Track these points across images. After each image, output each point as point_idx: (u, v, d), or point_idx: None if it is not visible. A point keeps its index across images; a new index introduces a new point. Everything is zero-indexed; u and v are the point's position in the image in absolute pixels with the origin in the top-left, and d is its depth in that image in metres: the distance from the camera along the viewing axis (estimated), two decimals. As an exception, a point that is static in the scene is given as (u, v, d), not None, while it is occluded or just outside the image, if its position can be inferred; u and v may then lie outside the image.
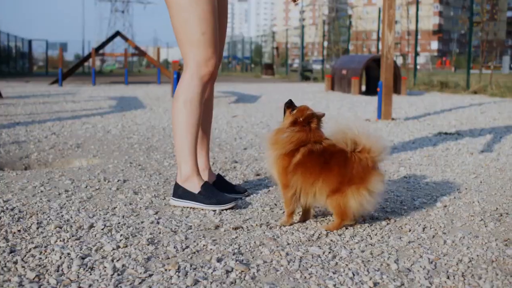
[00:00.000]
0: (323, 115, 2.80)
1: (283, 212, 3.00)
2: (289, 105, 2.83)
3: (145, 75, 36.00)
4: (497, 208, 3.11)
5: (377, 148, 2.63)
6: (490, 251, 2.41)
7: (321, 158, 2.66)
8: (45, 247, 2.35)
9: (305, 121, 2.72)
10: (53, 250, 2.30)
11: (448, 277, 2.11)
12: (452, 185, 3.68)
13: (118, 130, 6.52)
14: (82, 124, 7.07)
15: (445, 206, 3.14)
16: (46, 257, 2.23)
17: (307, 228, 2.71)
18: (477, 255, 2.35)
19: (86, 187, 3.51)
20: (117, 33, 21.28)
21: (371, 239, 2.57)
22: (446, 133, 6.39)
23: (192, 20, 2.97)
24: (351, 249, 2.41)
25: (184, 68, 3.11)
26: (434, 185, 3.70)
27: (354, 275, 2.11)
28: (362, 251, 2.39)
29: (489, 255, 2.36)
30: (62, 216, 2.82)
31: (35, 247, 2.34)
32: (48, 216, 2.81)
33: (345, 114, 8.89)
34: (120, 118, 7.99)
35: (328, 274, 2.11)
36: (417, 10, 19.97)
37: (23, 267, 2.13)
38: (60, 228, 2.61)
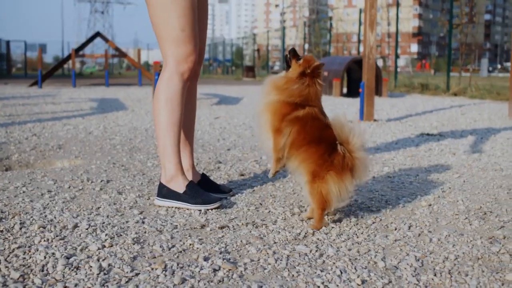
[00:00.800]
0: (324, 64, 2.81)
1: (269, 212, 2.99)
2: (294, 53, 2.78)
3: (125, 77, 35.82)
4: (481, 207, 3.13)
5: (359, 142, 2.69)
6: (476, 248, 2.42)
7: (319, 130, 2.71)
8: (29, 247, 2.31)
9: (313, 72, 2.73)
10: (37, 250, 2.27)
11: (435, 275, 2.11)
12: (436, 185, 3.70)
13: (100, 131, 6.47)
14: (63, 126, 7.00)
15: (430, 205, 3.16)
16: (30, 257, 2.20)
17: (293, 227, 2.71)
18: (463, 253, 2.36)
19: (69, 187, 3.47)
20: (98, 34, 21.14)
21: (357, 237, 2.57)
22: (428, 134, 6.42)
23: (171, 17, 2.95)
24: (338, 248, 2.41)
25: (163, 66, 3.09)
26: (418, 184, 3.72)
27: (341, 273, 2.11)
28: (349, 249, 2.39)
29: (475, 252, 2.37)
30: (46, 216, 2.79)
31: (18, 247, 2.30)
32: (31, 216, 2.77)
33: (328, 115, 8.90)
34: (102, 119, 7.93)
35: (315, 272, 2.11)
36: (397, 12, 20.11)
37: (6, 267, 2.09)
38: (44, 228, 2.58)
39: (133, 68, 69.12)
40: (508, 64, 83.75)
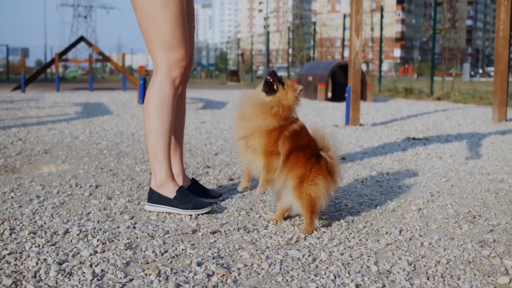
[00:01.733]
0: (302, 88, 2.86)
1: (260, 216, 2.99)
2: (278, 78, 2.78)
3: (109, 82, 35.65)
4: (469, 211, 3.16)
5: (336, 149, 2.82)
6: (467, 252, 2.44)
7: (304, 139, 2.79)
8: (20, 253, 2.30)
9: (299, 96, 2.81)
10: (29, 256, 2.25)
11: (428, 278, 2.13)
12: (425, 189, 3.73)
13: (86, 136, 6.43)
14: (49, 130, 6.96)
15: (420, 209, 3.18)
16: (22, 263, 2.18)
17: (285, 232, 2.71)
18: (454, 257, 2.38)
19: (58, 192, 3.45)
20: (81, 38, 21.03)
21: (349, 242, 2.58)
22: (414, 138, 6.47)
23: (162, 22, 2.94)
24: (330, 252, 2.42)
25: (154, 71, 3.08)
26: (407, 188, 3.74)
27: (335, 277, 2.11)
28: (342, 254, 2.40)
29: (466, 256, 2.39)
30: (36, 222, 2.77)
31: (9, 253, 2.28)
32: (21, 222, 2.75)
33: (314, 120, 8.93)
34: (87, 124, 7.89)
35: (309, 277, 2.11)
36: (382, 17, 20.23)
37: (-2, 273, 2.07)
38: (34, 234, 2.56)
39: (116, 72, 68.90)
40: (490, 68, 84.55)
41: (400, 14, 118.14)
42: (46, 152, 5.19)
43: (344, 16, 23.76)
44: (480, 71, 74.62)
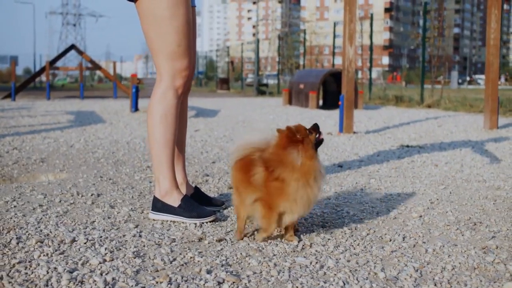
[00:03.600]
0: None
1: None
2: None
3: (99, 90, 35.60)
4: (470, 218, 3.20)
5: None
6: (471, 258, 2.47)
7: None
8: (29, 262, 2.30)
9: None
10: (39, 264, 2.26)
11: (435, 285, 2.16)
12: (424, 196, 3.77)
13: (81, 145, 6.43)
14: (43, 139, 6.95)
15: (421, 216, 3.21)
16: (32, 272, 2.19)
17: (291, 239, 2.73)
18: (459, 263, 2.42)
19: (60, 201, 3.46)
20: (72, 47, 21.02)
21: (354, 249, 2.61)
22: (408, 146, 6.52)
23: (169, 32, 2.97)
24: (336, 259, 2.44)
25: (157, 80, 3.10)
26: (406, 196, 3.78)
27: (344, 284, 2.14)
28: (348, 261, 2.42)
29: (471, 262, 2.42)
30: (41, 230, 2.78)
31: (19, 262, 2.29)
32: (27, 231, 2.76)
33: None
34: (81, 132, 7.89)
35: (319, 284, 2.14)
36: (371, 25, 20.36)
37: (10, 282, 2.08)
38: (42, 242, 2.57)
39: (105, 80, 68.72)
40: (477, 76, 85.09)
41: (388, 22, 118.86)
42: (42, 161, 5.19)
43: (334, 24, 23.88)
44: (468, 78, 75.21)
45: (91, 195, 3.66)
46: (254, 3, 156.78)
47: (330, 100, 15.47)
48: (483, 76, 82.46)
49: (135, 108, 12.04)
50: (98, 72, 64.68)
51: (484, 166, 5.06)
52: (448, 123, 9.96)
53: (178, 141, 3.30)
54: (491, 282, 2.20)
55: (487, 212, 3.34)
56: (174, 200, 3.03)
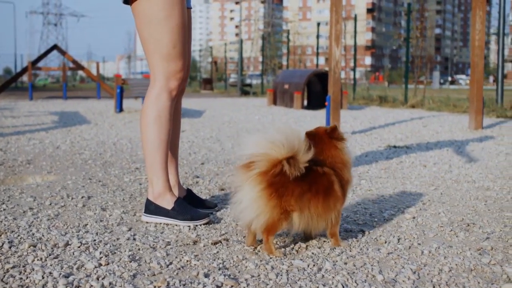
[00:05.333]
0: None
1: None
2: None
3: (81, 90, 35.37)
4: (463, 219, 3.21)
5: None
6: (467, 260, 2.48)
7: None
8: (24, 266, 2.27)
9: None
10: (33, 269, 2.23)
11: (434, 286, 2.16)
12: (415, 197, 3.78)
13: (67, 146, 6.37)
14: (28, 140, 6.88)
15: (414, 218, 3.22)
16: (27, 277, 2.15)
17: (285, 242, 2.72)
18: (456, 264, 2.42)
19: (50, 204, 3.42)
20: (55, 47, 20.84)
21: (350, 251, 2.60)
22: (395, 146, 6.54)
23: (164, 33, 2.95)
24: (334, 262, 2.43)
25: (151, 82, 3.07)
26: (397, 197, 3.79)
27: (343, 287, 2.13)
28: (345, 263, 2.42)
29: (467, 264, 2.43)
30: (33, 234, 2.74)
31: (12, 267, 2.25)
32: (19, 235, 2.72)
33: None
34: (66, 133, 7.82)
35: (318, 287, 2.13)
36: (355, 26, 20.43)
37: (5, 288, 2.05)
38: (35, 246, 2.53)
39: (87, 80, 68.26)
40: (459, 76, 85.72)
41: (370, 22, 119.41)
42: (29, 163, 5.13)
43: (318, 24, 23.94)
44: (450, 78, 75.80)
45: (82, 197, 3.62)
46: (237, 3, 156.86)
47: (315, 101, 15.50)
48: (464, 76, 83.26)
49: (120, 108, 11.97)
50: (80, 72, 64.30)
51: (472, 167, 5.08)
52: (433, 123, 10.02)
53: (171, 143, 3.28)
54: (488, 283, 2.20)
55: (479, 213, 3.35)
56: (168, 202, 3.01)
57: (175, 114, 3.28)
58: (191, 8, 3.26)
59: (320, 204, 2.48)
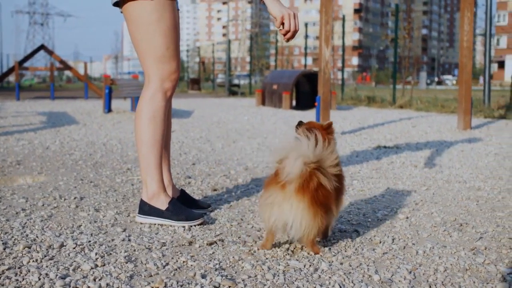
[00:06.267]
0: None
1: (252, 227, 3.01)
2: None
3: (68, 90, 35.15)
4: (455, 219, 3.23)
5: None
6: (462, 260, 2.50)
7: None
8: (19, 268, 2.26)
9: None
10: (29, 271, 2.21)
11: (430, 286, 2.17)
12: (408, 197, 3.79)
13: (57, 146, 6.34)
14: (17, 141, 6.83)
15: (407, 218, 3.23)
16: (23, 279, 2.14)
17: (280, 242, 2.72)
18: (451, 264, 2.43)
19: (43, 205, 3.40)
20: (42, 47, 20.73)
21: (345, 251, 2.61)
22: (385, 147, 6.57)
23: (157, 35, 2.94)
24: (329, 262, 2.44)
25: (146, 83, 3.06)
26: (390, 197, 3.80)
27: (340, 287, 2.14)
28: (341, 263, 2.43)
29: (462, 264, 2.44)
30: (27, 235, 2.72)
31: (8, 269, 2.24)
32: (12, 236, 2.70)
33: (283, 128, 9.00)
34: (55, 134, 7.78)
35: (315, 287, 2.13)
36: (343, 26, 20.48)
37: (1, 289, 2.04)
38: (29, 248, 2.52)
39: (73, 80, 67.89)
40: (445, 76, 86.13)
41: (357, 23, 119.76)
42: (19, 164, 5.10)
43: (306, 24, 23.97)
44: (436, 79, 76.19)
45: (74, 198, 3.61)
46: (224, 3, 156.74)
47: (303, 101, 15.52)
48: (451, 77, 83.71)
49: (108, 109, 11.92)
50: (66, 72, 63.96)
51: (462, 167, 5.12)
52: (422, 123, 10.07)
53: (164, 144, 3.27)
54: (484, 283, 2.22)
55: (472, 213, 3.38)
56: (162, 203, 3.00)
57: (167, 114, 3.27)
58: (178, 10, 3.25)
59: (343, 202, 2.72)
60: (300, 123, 2.82)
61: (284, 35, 2.81)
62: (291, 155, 2.38)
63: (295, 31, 2.82)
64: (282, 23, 2.80)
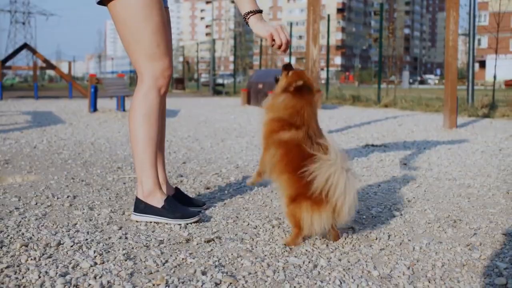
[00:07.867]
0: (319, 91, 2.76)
1: (248, 224, 3.02)
2: (287, 67, 2.76)
3: (51, 90, 34.93)
4: (449, 215, 3.26)
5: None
6: (458, 255, 2.52)
7: (302, 159, 2.55)
8: (18, 266, 2.25)
9: (298, 89, 2.64)
10: (28, 269, 2.20)
11: (429, 281, 2.19)
12: (400, 194, 3.82)
13: (44, 146, 6.30)
14: (3, 140, 6.78)
15: (401, 215, 3.26)
16: (23, 277, 2.13)
17: (277, 239, 2.73)
18: (448, 260, 2.46)
19: (36, 204, 3.38)
20: (25, 45, 20.57)
21: (343, 248, 2.63)
22: (373, 145, 6.60)
23: (146, 33, 2.93)
24: (328, 258, 2.46)
25: (138, 82, 3.05)
26: (382, 194, 3.83)
27: (341, 283, 2.16)
28: (339, 260, 2.44)
29: (459, 259, 2.47)
30: (23, 234, 2.71)
31: (7, 267, 2.23)
32: (8, 235, 2.68)
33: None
34: (42, 133, 7.73)
35: (316, 283, 2.15)
36: (328, 25, 20.54)
37: (1, 288, 2.03)
38: (27, 246, 2.50)
39: (56, 79, 67.44)
40: (427, 76, 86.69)
41: (341, 22, 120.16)
42: (7, 163, 5.06)
43: (291, 24, 24.02)
44: (419, 78, 76.70)
45: (67, 197, 3.59)
46: (207, 2, 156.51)
47: (289, 100, 15.53)
48: (433, 76, 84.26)
49: (94, 108, 11.86)
50: (48, 72, 63.52)
51: (450, 165, 5.16)
52: (408, 122, 10.14)
53: (159, 141, 3.26)
54: (481, 278, 2.25)
55: (464, 210, 3.41)
56: (158, 201, 3.00)
57: (161, 111, 3.27)
58: (167, 7, 3.24)
59: None
60: (287, 67, 2.77)
61: (279, 48, 2.83)
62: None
63: (288, 42, 2.84)
64: (273, 40, 2.83)
